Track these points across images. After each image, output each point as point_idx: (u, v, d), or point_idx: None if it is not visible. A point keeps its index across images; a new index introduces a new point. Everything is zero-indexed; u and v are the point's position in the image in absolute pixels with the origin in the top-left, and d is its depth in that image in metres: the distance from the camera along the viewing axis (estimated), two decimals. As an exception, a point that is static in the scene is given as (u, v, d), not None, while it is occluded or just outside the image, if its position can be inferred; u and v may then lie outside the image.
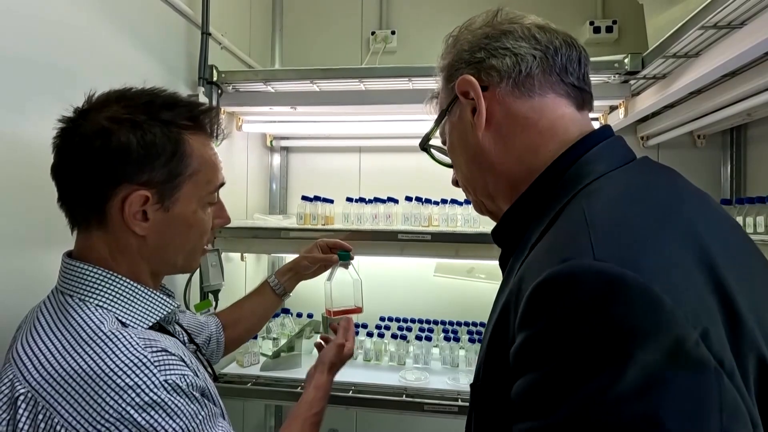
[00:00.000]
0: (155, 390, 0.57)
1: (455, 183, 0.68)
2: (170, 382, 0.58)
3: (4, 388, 0.57)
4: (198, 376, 0.63)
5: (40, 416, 0.55)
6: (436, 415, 1.22)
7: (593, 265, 0.38)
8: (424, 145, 0.69)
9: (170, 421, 0.56)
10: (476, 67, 0.58)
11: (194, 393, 0.60)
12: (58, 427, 0.54)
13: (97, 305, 0.63)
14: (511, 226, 0.58)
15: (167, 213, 0.66)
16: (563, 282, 0.39)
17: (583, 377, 0.36)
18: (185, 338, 0.81)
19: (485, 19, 0.60)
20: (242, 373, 1.39)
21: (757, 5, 0.83)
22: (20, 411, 0.55)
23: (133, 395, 0.55)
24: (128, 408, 0.55)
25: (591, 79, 0.61)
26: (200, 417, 0.60)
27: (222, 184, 0.74)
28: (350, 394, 1.27)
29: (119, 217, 0.64)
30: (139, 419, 0.55)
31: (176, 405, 0.58)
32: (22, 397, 0.56)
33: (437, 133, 0.67)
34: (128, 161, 0.62)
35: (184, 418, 0.58)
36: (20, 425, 0.55)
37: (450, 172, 0.69)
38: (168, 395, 0.57)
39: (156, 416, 0.56)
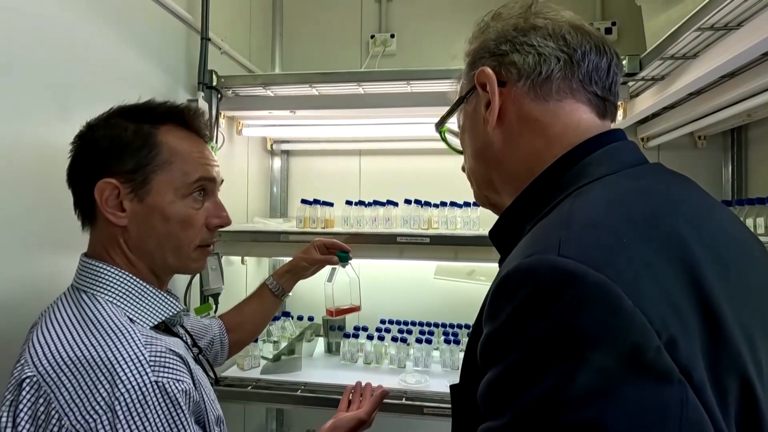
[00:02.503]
0: (143, 389, 0.57)
1: (464, 169, 0.66)
2: (160, 384, 0.58)
3: (15, 372, 0.60)
4: (195, 385, 0.64)
5: (41, 400, 0.56)
6: (435, 418, 1.22)
7: (552, 260, 0.37)
8: (439, 129, 0.68)
9: (146, 424, 0.57)
10: (498, 60, 0.55)
11: (179, 400, 0.59)
12: (53, 413, 0.55)
13: (107, 300, 0.66)
14: (508, 226, 0.56)
15: (142, 203, 0.69)
16: (521, 276, 0.38)
17: (533, 378, 0.35)
18: (188, 341, 0.82)
19: (518, 9, 0.57)
20: (243, 376, 1.39)
21: (753, 6, 0.83)
22: (23, 393, 0.57)
23: (123, 390, 0.56)
24: (115, 402, 0.56)
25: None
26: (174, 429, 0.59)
27: (209, 179, 0.74)
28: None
29: (99, 209, 0.68)
30: (120, 415, 0.56)
31: (156, 410, 0.57)
32: (27, 380, 0.57)
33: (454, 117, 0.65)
34: (98, 156, 0.69)
35: (156, 426, 0.57)
36: (21, 406, 0.56)
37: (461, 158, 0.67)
38: (153, 398, 0.58)
39: (136, 417, 0.56)
